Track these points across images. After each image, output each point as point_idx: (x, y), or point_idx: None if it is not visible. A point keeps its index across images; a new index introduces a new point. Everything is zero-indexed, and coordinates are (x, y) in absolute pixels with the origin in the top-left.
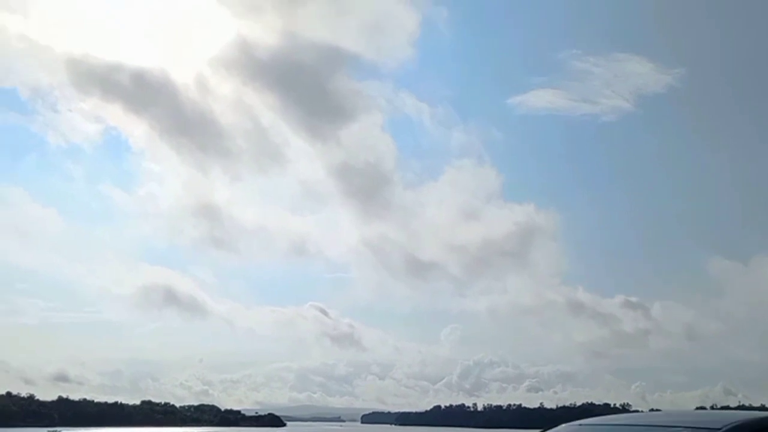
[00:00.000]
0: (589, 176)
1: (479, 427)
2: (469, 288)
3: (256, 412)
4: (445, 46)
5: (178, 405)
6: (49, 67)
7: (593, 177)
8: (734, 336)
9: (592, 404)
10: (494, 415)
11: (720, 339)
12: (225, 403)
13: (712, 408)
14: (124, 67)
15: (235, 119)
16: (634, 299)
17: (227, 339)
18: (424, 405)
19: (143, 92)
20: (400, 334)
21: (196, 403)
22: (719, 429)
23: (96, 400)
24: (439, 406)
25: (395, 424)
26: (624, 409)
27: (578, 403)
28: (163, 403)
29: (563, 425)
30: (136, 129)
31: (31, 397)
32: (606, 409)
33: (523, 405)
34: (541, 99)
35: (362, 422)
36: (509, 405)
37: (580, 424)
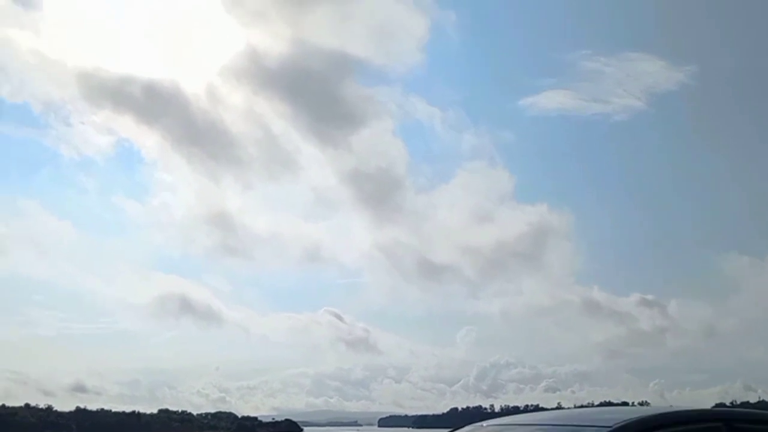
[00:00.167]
0: (602, 175)
1: None
2: (483, 290)
3: (273, 418)
4: (454, 49)
5: (195, 413)
6: (61, 81)
7: (606, 176)
8: (752, 332)
9: (610, 403)
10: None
11: (738, 335)
12: (242, 410)
13: (732, 404)
14: (135, 79)
15: (245, 128)
16: (650, 297)
17: (243, 346)
18: (441, 407)
19: (154, 103)
20: (415, 338)
21: (213, 411)
22: (610, 427)
23: (114, 410)
24: (456, 408)
25: (412, 427)
26: (643, 407)
27: (596, 402)
28: (180, 411)
29: (469, 426)
30: (148, 140)
31: (49, 408)
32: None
33: (541, 405)
34: (552, 100)
35: (379, 426)
36: (526, 405)
37: (483, 425)
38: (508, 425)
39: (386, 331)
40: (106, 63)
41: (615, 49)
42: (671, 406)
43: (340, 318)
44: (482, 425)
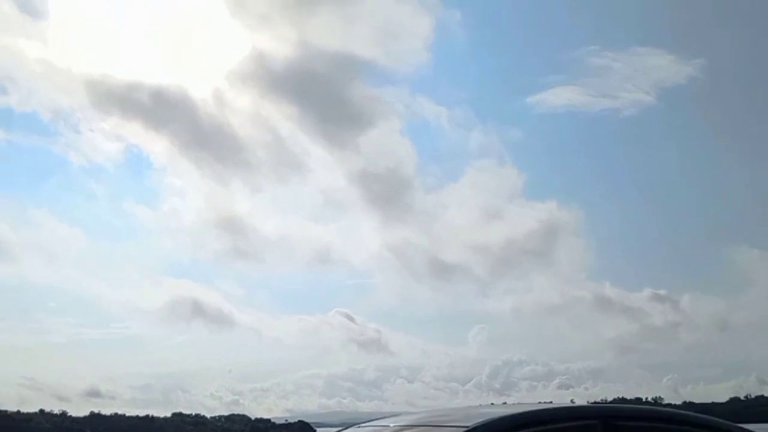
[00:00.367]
0: (611, 171)
1: None
2: (494, 288)
3: (286, 420)
4: (460, 48)
5: (208, 416)
6: (69, 89)
7: (615, 171)
8: (766, 325)
9: (623, 399)
10: None
11: (751, 329)
12: (255, 412)
13: (746, 398)
14: (142, 86)
15: (253, 131)
16: (662, 292)
17: (255, 349)
18: (454, 406)
19: (162, 109)
20: (427, 337)
21: (226, 413)
22: (467, 427)
23: (128, 414)
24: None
25: None
26: (656, 402)
27: (609, 398)
28: (194, 414)
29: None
30: (157, 145)
31: (63, 414)
32: (638, 404)
33: (554, 402)
34: (560, 96)
35: None
36: (540, 403)
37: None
38: (365, 426)
39: (398, 331)
40: (114, 70)
41: (623, 44)
42: (551, 402)
43: (351, 319)
44: (343, 430)
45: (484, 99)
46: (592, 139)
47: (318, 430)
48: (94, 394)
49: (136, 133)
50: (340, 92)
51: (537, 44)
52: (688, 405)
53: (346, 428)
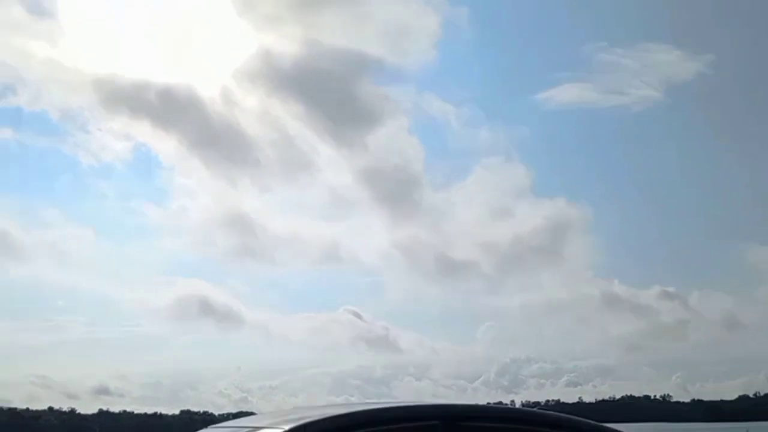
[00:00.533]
0: (620, 167)
1: None
2: (502, 286)
3: None
4: (468, 45)
5: (217, 413)
6: (77, 89)
7: (624, 168)
8: None
9: (631, 396)
10: None
11: (761, 326)
12: (264, 410)
13: (755, 396)
14: (151, 85)
15: (261, 130)
16: (671, 289)
17: (264, 347)
18: (468, 402)
19: (170, 108)
20: (435, 335)
21: (234, 411)
22: (284, 428)
23: (136, 412)
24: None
25: None
26: (664, 400)
27: (617, 396)
28: (202, 411)
29: None
30: (165, 145)
31: (72, 411)
32: (646, 401)
33: (561, 400)
34: (569, 93)
35: None
36: (547, 401)
37: None
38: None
39: (406, 328)
40: (121, 69)
41: (631, 40)
42: (391, 401)
43: (359, 317)
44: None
45: (492, 96)
46: (600, 135)
47: None
48: (103, 391)
49: (145, 132)
50: (348, 91)
51: (545, 41)
52: (697, 402)
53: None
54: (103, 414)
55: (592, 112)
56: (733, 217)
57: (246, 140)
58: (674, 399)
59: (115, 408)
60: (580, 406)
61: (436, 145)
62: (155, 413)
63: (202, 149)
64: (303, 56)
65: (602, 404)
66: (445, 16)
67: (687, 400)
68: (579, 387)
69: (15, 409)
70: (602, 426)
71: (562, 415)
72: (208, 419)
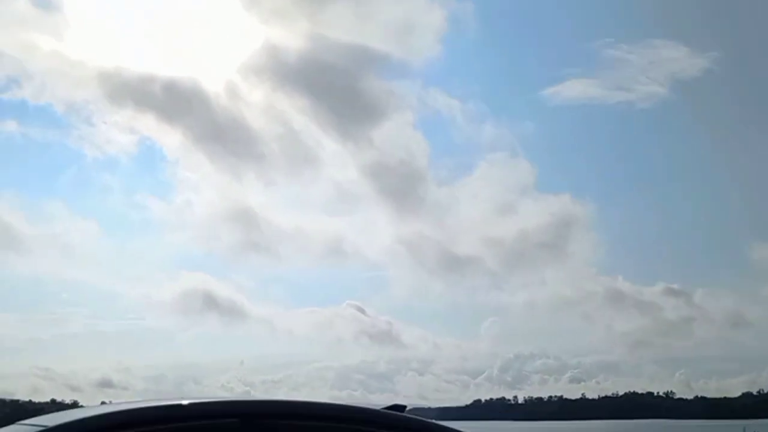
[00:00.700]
0: (625, 164)
1: (519, 420)
2: (506, 281)
3: None
4: (474, 40)
5: None
6: (82, 82)
7: (629, 164)
8: None
9: (634, 393)
10: (535, 407)
11: (766, 324)
12: None
13: (759, 393)
14: (156, 78)
15: (266, 124)
16: (675, 286)
17: (267, 341)
18: (465, 399)
19: (175, 102)
20: (439, 330)
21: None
22: (45, 426)
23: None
24: (480, 400)
25: (436, 420)
26: (667, 396)
27: (621, 393)
28: None
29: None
30: (170, 138)
31: (75, 404)
32: (649, 398)
33: (565, 396)
34: (574, 89)
35: None
36: (550, 397)
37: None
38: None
39: (409, 323)
40: (127, 62)
41: (638, 36)
42: (181, 398)
43: (363, 311)
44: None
45: (497, 92)
46: (606, 132)
47: None
48: (106, 384)
49: (150, 125)
50: (353, 85)
51: (551, 36)
52: (700, 399)
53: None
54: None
55: (597, 108)
56: (739, 214)
57: (251, 134)
58: (677, 396)
59: (118, 401)
60: (583, 403)
61: (441, 140)
62: None
63: (206, 143)
64: (309, 51)
65: (605, 400)
66: (450, 12)
67: (690, 397)
68: (582, 383)
69: (18, 401)
70: (426, 422)
71: (382, 411)
72: None
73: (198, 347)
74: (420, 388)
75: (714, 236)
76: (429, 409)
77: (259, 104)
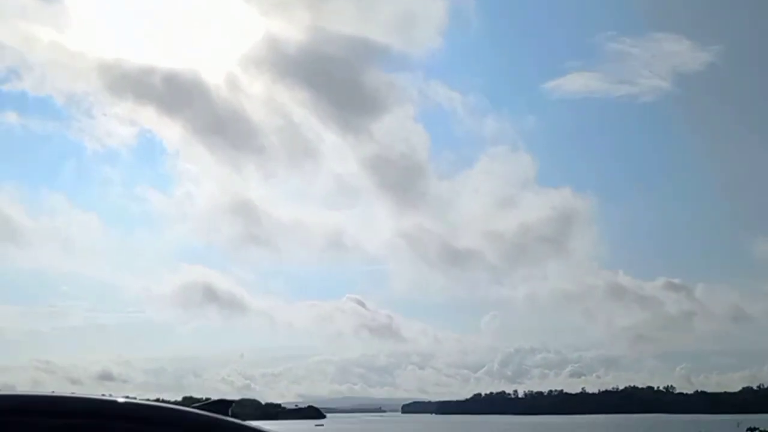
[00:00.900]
0: (627, 158)
1: (519, 414)
2: (507, 275)
3: (297, 405)
4: (475, 33)
5: None
6: (82, 74)
7: (631, 158)
8: None
9: (635, 387)
10: (535, 401)
11: (766, 319)
12: (267, 397)
13: (759, 388)
14: (156, 70)
15: (267, 117)
16: (676, 281)
17: (267, 334)
18: (465, 393)
19: (175, 94)
20: (439, 324)
21: (237, 398)
22: None
23: (138, 398)
24: (480, 394)
25: (436, 413)
26: (667, 391)
27: (621, 387)
28: (204, 398)
29: None
30: (170, 130)
31: None
32: (649, 392)
33: (565, 390)
34: (577, 83)
35: (402, 412)
36: (550, 391)
37: None
38: None
39: (410, 317)
40: (127, 54)
41: (640, 30)
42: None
43: (363, 305)
44: None
45: (499, 85)
46: (608, 125)
47: (328, 415)
48: (106, 377)
49: (150, 117)
50: (354, 78)
51: (553, 30)
52: (700, 394)
53: None
54: None
55: (599, 102)
56: (741, 209)
57: (251, 127)
58: (678, 390)
59: (117, 394)
60: (583, 397)
61: (442, 133)
62: (157, 400)
63: (206, 135)
64: (309, 43)
65: (605, 395)
66: (452, 4)
67: (690, 391)
68: (583, 377)
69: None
70: (189, 412)
71: (145, 403)
72: None
73: (198, 340)
74: (420, 381)
75: (715, 231)
76: (429, 403)
77: (260, 96)
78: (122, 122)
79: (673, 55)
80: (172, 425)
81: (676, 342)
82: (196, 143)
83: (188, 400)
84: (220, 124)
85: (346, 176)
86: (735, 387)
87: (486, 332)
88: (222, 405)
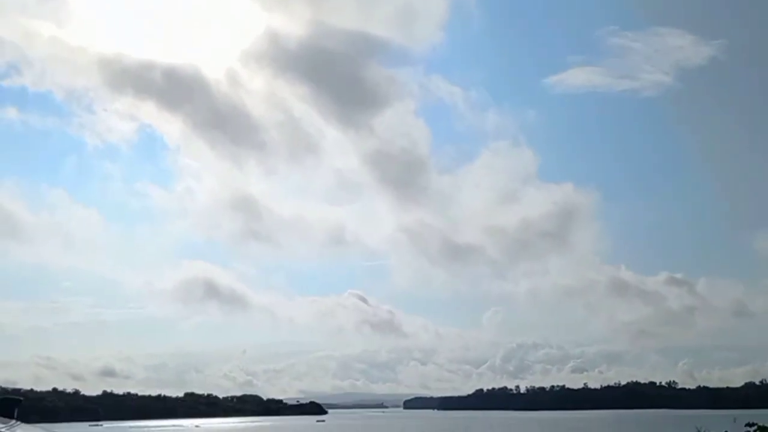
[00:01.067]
0: (629, 152)
1: (521, 410)
2: (509, 270)
3: (298, 401)
4: (476, 28)
5: (221, 396)
6: (83, 69)
7: (633, 153)
8: None
9: (637, 383)
10: (536, 396)
11: None
12: (269, 393)
13: (761, 383)
14: (156, 65)
15: (267, 112)
16: (678, 276)
17: (269, 330)
18: (467, 389)
19: (176, 89)
20: (441, 319)
21: (239, 394)
22: None
23: (140, 394)
24: (482, 390)
25: (438, 409)
26: (670, 386)
27: (623, 382)
28: (206, 394)
29: None
30: (171, 126)
31: (76, 393)
32: (651, 388)
33: (567, 386)
34: (579, 77)
35: (404, 407)
36: (552, 386)
37: None
38: None
39: (411, 313)
40: (127, 49)
41: (643, 24)
42: None
43: (365, 300)
44: None
45: (500, 79)
46: (610, 120)
47: (330, 411)
48: (108, 373)
49: (150, 112)
50: (355, 73)
51: (555, 24)
52: (702, 389)
53: None
54: (107, 395)
55: (601, 97)
56: (743, 203)
57: (252, 122)
58: (680, 386)
59: (120, 390)
60: (585, 392)
61: (443, 128)
62: (159, 395)
63: (207, 131)
64: (310, 37)
65: (607, 390)
66: None
67: (693, 386)
68: (585, 373)
69: (20, 390)
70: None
71: None
72: (212, 402)
73: (200, 336)
74: (422, 377)
75: (718, 226)
76: (431, 398)
77: (260, 92)
78: (123, 117)
79: (676, 50)
80: None
81: (679, 337)
82: (197, 138)
83: (190, 396)
84: (220, 120)
85: (347, 171)
86: (737, 382)
87: (488, 328)
88: (7, 404)
